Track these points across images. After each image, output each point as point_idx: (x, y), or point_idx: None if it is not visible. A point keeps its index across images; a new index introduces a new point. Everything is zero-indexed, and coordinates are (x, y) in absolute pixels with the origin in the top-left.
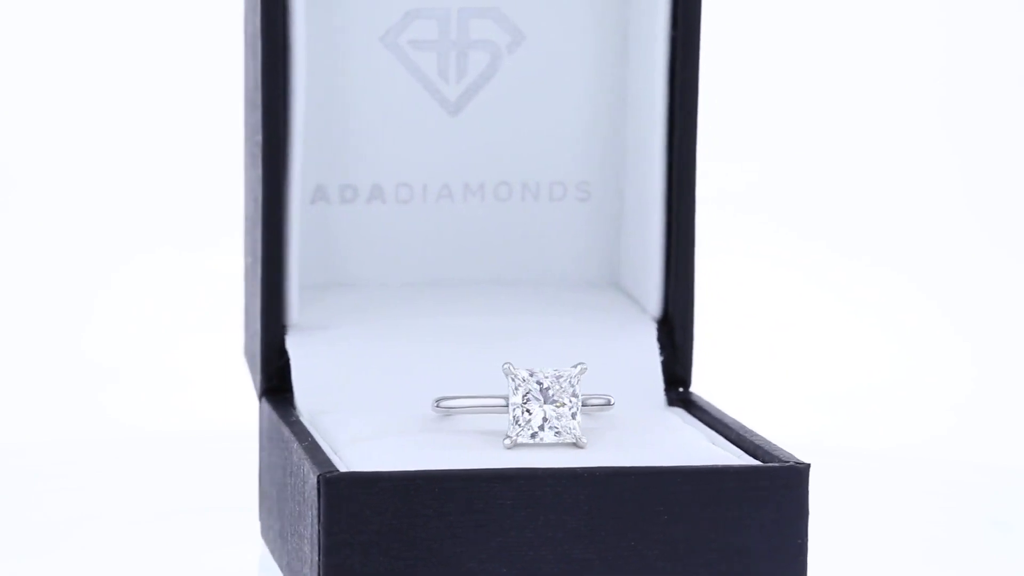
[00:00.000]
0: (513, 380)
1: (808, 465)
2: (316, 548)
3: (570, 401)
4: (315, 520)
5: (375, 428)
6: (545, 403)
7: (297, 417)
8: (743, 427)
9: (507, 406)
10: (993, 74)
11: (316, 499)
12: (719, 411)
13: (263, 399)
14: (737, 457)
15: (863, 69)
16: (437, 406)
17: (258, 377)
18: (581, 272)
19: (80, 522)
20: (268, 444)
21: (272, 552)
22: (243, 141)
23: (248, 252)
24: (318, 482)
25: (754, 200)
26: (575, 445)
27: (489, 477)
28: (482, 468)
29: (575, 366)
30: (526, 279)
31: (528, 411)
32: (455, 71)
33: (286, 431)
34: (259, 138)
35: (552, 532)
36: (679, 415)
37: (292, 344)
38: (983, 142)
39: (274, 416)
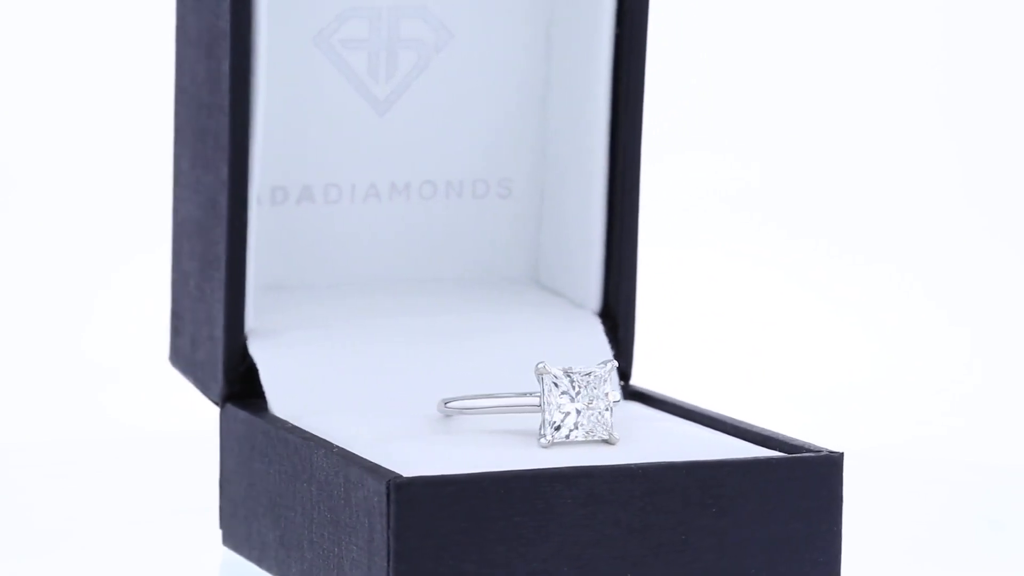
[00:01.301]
0: (548, 379)
1: (842, 454)
2: (384, 554)
3: (602, 398)
4: (381, 526)
5: (379, 431)
6: (578, 401)
7: (292, 423)
8: (734, 419)
9: (539, 405)
10: (986, 72)
11: (384, 505)
12: (691, 404)
13: (227, 405)
14: (758, 449)
15: (847, 67)
16: (446, 406)
17: (218, 384)
18: (502, 269)
19: (79, 522)
20: (250, 451)
21: (259, 561)
22: (175, 143)
23: (190, 257)
24: (387, 487)
25: (742, 198)
26: (607, 442)
27: (551, 476)
28: (544, 468)
29: (604, 363)
30: (450, 277)
31: (562, 410)
32: (384, 70)
33: (293, 436)
34: (224, 141)
35: (610, 529)
36: (643, 408)
37: (255, 349)
38: (971, 138)
39: (261, 422)
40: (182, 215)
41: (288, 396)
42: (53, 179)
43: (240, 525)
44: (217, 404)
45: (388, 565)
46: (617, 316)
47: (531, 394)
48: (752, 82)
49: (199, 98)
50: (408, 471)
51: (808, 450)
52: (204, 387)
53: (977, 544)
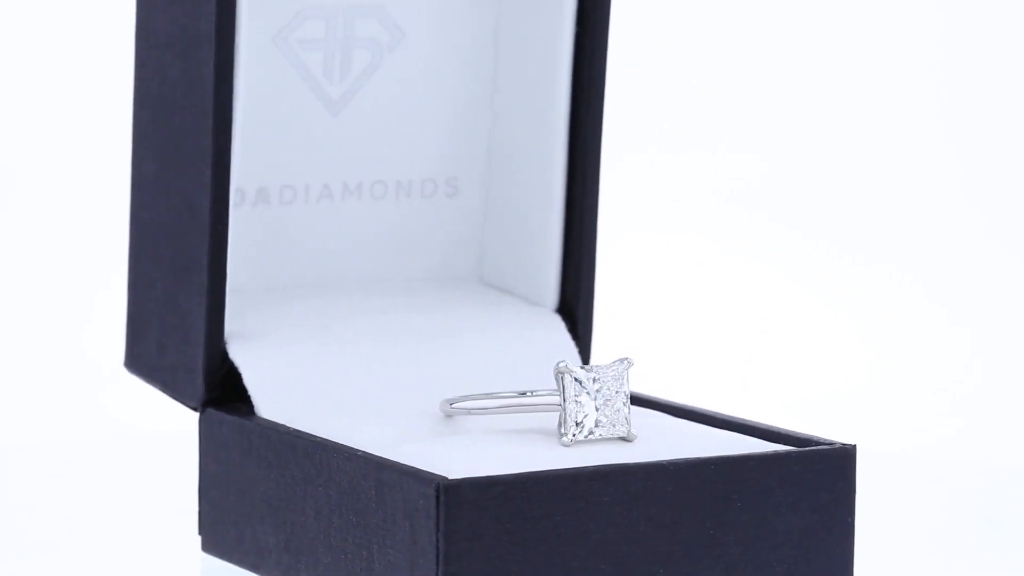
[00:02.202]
0: (569, 377)
1: (855, 446)
2: (432, 556)
3: (620, 396)
4: (428, 528)
5: (386, 433)
6: (597, 399)
7: (295, 427)
8: (726, 415)
9: (555, 404)
10: (986, 70)
11: (433, 507)
12: (673, 401)
13: (208, 410)
14: (767, 444)
15: (844, 64)
16: (452, 406)
17: (197, 389)
18: (449, 268)
19: (79, 521)
20: (243, 456)
21: (256, 567)
22: (134, 147)
23: (155, 261)
24: (437, 490)
25: (731, 196)
26: (624, 439)
27: (590, 475)
28: (583, 467)
29: (621, 361)
30: (399, 277)
31: (584, 408)
32: (339, 70)
33: (302, 440)
34: (206, 143)
35: (642, 526)
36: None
37: (236, 352)
38: (971, 136)
39: (258, 426)
40: (144, 219)
41: (275, 399)
42: (53, 179)
43: (228, 531)
44: (194, 409)
45: (437, 567)
46: (576, 314)
47: (531, 392)
48: (749, 80)
49: (170, 100)
50: (443, 473)
51: (819, 443)
52: (175, 392)
53: (977, 544)
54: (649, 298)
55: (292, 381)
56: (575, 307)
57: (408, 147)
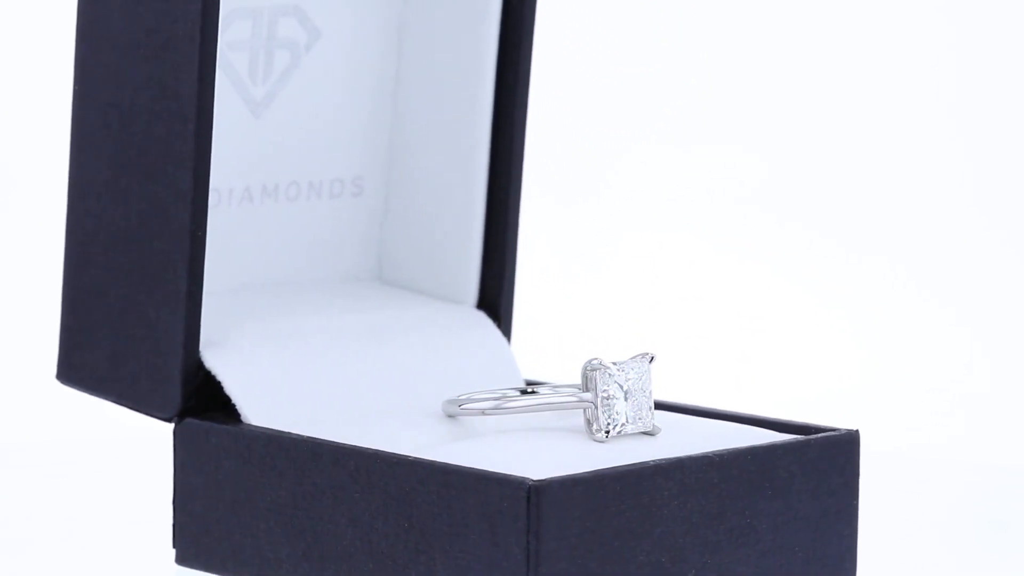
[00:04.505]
0: (601, 373)
1: (858, 431)
2: (520, 558)
3: (644, 391)
4: (516, 530)
5: (402, 436)
6: (627, 396)
7: (306, 434)
8: (715, 408)
9: (594, 401)
10: (986, 67)
11: (523, 508)
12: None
13: (187, 420)
14: (773, 433)
15: (840, 61)
16: (459, 407)
17: (172, 399)
18: (353, 267)
19: (79, 521)
20: (241, 465)
21: None
22: (76, 153)
23: (105, 268)
24: (528, 492)
25: (725, 194)
26: (648, 434)
27: (654, 470)
28: (646, 462)
29: (643, 356)
30: (307, 278)
31: (617, 406)
32: (263, 71)
33: (329, 447)
34: (184, 148)
35: (696, 518)
36: None
37: (212, 359)
38: (969, 133)
39: (266, 434)
40: (90, 225)
41: (260, 404)
42: (54, 178)
43: (217, 542)
44: (166, 420)
45: (528, 568)
46: (499, 310)
47: (532, 390)
48: (743, 79)
49: (129, 105)
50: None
51: (823, 430)
52: (138, 404)
53: (978, 544)
54: (643, 297)
55: (272, 385)
56: (497, 304)
57: (319, 147)
